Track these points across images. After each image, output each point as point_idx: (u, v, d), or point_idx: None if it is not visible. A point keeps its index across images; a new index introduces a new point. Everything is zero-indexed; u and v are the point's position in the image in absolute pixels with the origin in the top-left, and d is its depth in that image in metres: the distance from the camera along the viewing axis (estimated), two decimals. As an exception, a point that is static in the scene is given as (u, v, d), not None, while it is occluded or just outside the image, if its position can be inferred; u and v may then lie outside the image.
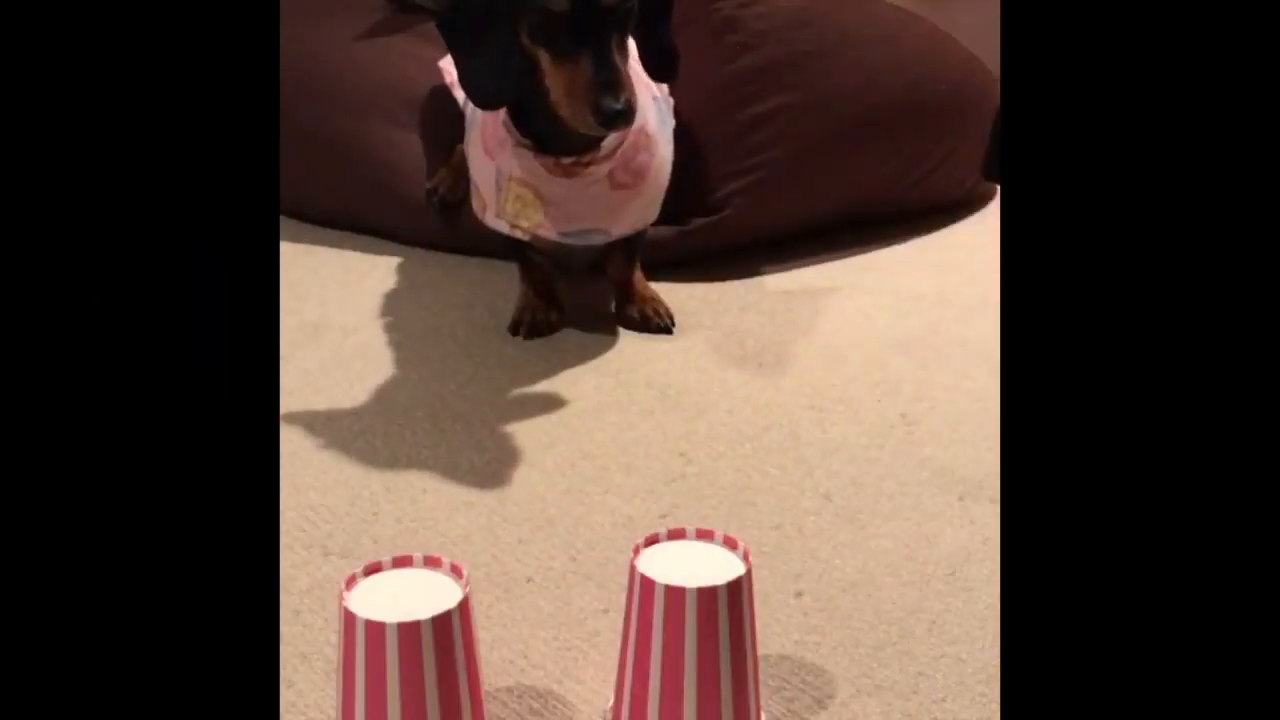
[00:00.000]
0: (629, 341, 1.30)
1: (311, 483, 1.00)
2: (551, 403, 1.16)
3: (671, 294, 1.38)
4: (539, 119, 1.15)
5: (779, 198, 1.53)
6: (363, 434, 1.09)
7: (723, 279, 1.48)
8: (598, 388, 1.19)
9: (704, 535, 0.71)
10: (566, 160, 1.18)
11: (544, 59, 1.09)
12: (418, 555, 0.68)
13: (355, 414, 1.13)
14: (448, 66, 1.44)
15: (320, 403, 1.14)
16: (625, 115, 1.05)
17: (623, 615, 0.70)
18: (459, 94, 1.38)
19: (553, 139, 1.16)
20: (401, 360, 1.24)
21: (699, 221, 1.50)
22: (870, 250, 1.59)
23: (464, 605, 0.65)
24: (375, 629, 0.63)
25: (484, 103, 1.14)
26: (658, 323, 1.32)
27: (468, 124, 1.29)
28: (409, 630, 0.63)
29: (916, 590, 0.87)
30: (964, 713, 0.75)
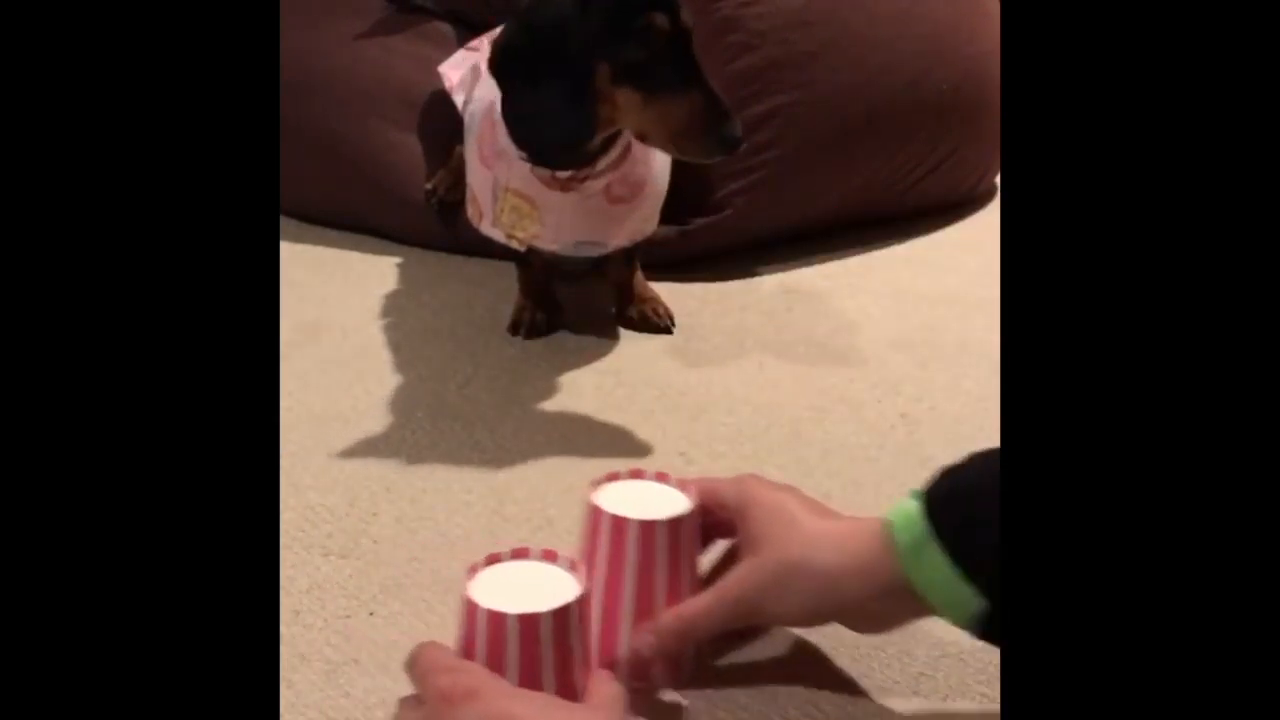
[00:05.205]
0: (629, 341, 1.30)
1: (311, 483, 1.00)
2: (551, 403, 1.16)
3: (671, 294, 1.38)
4: (544, 134, 1.12)
5: (779, 198, 1.53)
6: (363, 434, 1.09)
7: (723, 279, 1.48)
8: (598, 388, 1.19)
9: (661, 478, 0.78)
10: (563, 174, 1.16)
11: (625, 99, 1.05)
12: (535, 548, 0.69)
13: (355, 414, 1.12)
14: (448, 71, 1.43)
15: (320, 403, 1.14)
16: (741, 139, 1.04)
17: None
18: (459, 99, 1.37)
19: (550, 155, 1.14)
20: (401, 360, 1.24)
21: (699, 221, 1.50)
22: (870, 250, 1.59)
23: (583, 600, 0.66)
24: (496, 619, 0.63)
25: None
26: (658, 323, 1.32)
27: (465, 131, 1.29)
28: (529, 621, 0.63)
29: (916, 590, 0.86)
30: (964, 713, 0.75)
